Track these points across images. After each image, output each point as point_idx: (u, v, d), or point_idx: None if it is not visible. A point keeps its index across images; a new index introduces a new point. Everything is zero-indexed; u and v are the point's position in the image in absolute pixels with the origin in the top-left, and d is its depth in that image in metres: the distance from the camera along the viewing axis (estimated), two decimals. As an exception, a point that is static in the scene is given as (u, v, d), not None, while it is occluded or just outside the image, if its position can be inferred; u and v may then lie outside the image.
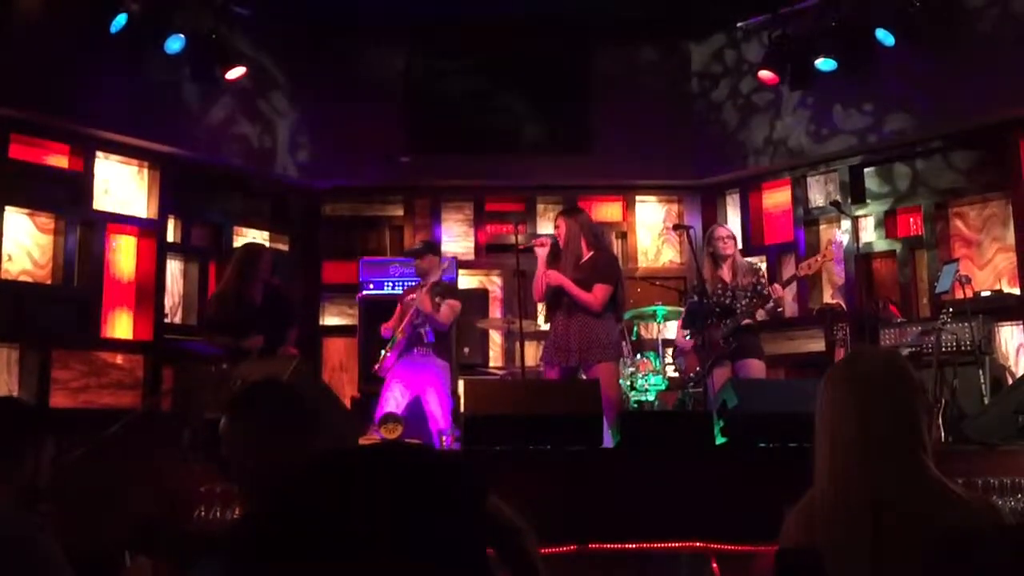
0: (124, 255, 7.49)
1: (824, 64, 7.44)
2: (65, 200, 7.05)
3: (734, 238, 6.09)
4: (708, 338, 5.82)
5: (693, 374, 5.98)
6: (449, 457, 1.83)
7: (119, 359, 7.23)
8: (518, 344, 6.29)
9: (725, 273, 5.94)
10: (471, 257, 8.65)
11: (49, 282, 6.94)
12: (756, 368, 5.77)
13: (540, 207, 8.76)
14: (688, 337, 6.06)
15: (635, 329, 7.42)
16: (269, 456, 1.97)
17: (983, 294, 6.89)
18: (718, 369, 5.75)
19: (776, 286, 5.77)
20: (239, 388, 2.20)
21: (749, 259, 6.15)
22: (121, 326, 7.37)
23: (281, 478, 1.92)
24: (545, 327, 6.43)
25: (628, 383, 6.67)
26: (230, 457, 2.03)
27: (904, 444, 1.81)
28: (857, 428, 1.83)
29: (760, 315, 5.91)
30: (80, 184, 7.10)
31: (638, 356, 6.86)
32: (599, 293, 5.44)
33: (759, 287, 5.77)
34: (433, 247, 6.51)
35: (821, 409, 1.92)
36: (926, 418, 1.88)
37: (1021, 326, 6.93)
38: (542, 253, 5.60)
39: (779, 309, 6.05)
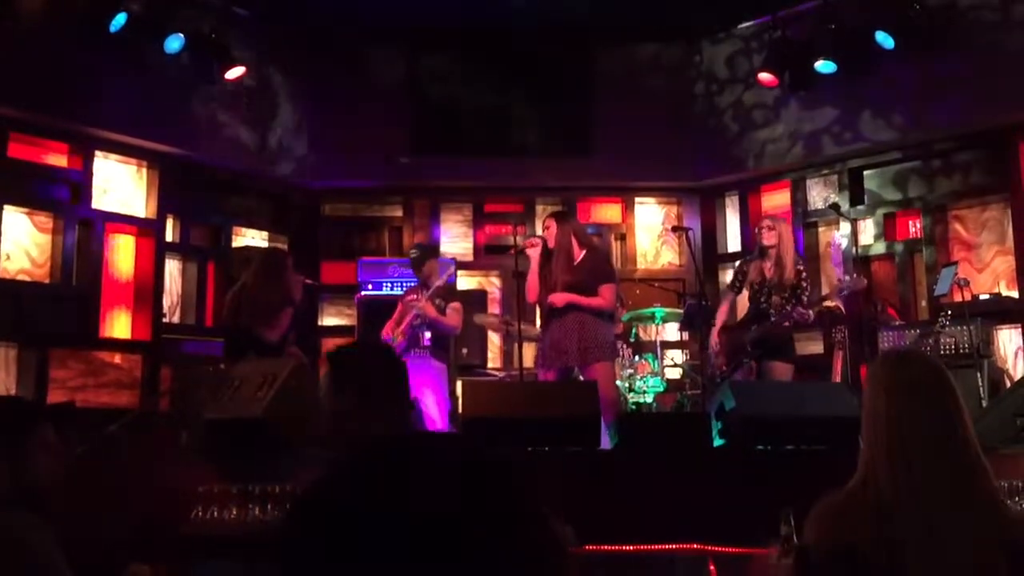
0: (123, 254, 7.49)
1: (824, 66, 7.45)
2: (64, 199, 7.05)
3: (775, 228, 5.80)
4: (735, 340, 5.78)
5: (720, 372, 5.84)
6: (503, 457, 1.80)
7: (117, 359, 7.23)
8: (516, 345, 6.31)
9: (767, 267, 5.76)
10: (470, 258, 8.65)
11: (47, 281, 6.93)
12: (781, 370, 5.66)
13: (539, 208, 8.76)
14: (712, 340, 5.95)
15: (634, 331, 7.41)
16: (372, 418, 1.89)
17: (981, 297, 6.89)
18: (743, 369, 5.70)
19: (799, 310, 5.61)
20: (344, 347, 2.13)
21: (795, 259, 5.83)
22: (119, 326, 7.37)
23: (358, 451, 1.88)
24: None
25: (627, 385, 6.67)
26: (333, 416, 1.94)
27: (958, 449, 1.82)
28: (896, 434, 1.83)
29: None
30: (79, 183, 7.10)
31: (637, 358, 6.86)
32: (607, 294, 5.45)
33: (799, 291, 5.66)
34: (429, 251, 6.48)
35: (872, 411, 1.91)
36: (968, 421, 1.89)
37: (1019, 329, 6.94)
38: (534, 254, 5.60)
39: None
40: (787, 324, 5.61)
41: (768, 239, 5.78)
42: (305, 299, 7.23)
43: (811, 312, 5.61)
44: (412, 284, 6.47)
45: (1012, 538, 1.73)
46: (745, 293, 5.93)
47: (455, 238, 8.75)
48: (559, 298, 5.38)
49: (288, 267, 6.05)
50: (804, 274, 5.76)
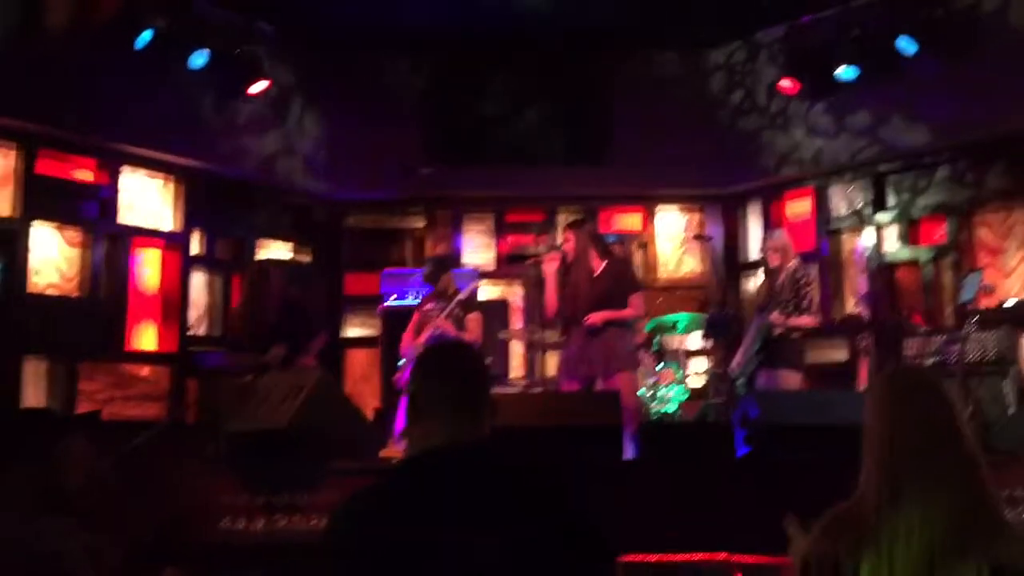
0: (149, 268, 7.57)
1: (845, 73, 7.42)
2: (92, 214, 7.14)
3: (778, 249, 5.80)
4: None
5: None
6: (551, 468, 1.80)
7: (145, 371, 7.31)
8: (539, 355, 6.32)
9: (776, 283, 5.74)
10: (492, 268, 8.67)
11: (76, 295, 7.02)
12: (789, 379, 5.62)
13: (560, 217, 8.76)
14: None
15: (657, 340, 7.40)
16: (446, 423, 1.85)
17: (1008, 303, 6.82)
18: (758, 375, 5.65)
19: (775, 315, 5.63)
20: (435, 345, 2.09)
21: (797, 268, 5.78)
22: (146, 338, 7.45)
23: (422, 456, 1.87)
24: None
25: (649, 393, 6.66)
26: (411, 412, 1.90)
27: (959, 464, 1.84)
28: (900, 446, 1.85)
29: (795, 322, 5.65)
30: (106, 198, 7.19)
31: (660, 366, 6.85)
32: (637, 302, 5.48)
33: (798, 295, 5.62)
34: (444, 264, 6.46)
35: (871, 426, 1.94)
36: (967, 434, 1.90)
37: (1047, 335, 6.86)
38: (550, 270, 5.60)
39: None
40: (784, 327, 5.56)
41: (772, 261, 5.81)
42: (317, 310, 7.32)
43: (784, 318, 5.54)
44: (429, 292, 6.46)
45: (1007, 561, 1.73)
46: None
47: (477, 248, 8.78)
48: (596, 318, 5.37)
49: (264, 281, 6.18)
50: (803, 277, 5.67)
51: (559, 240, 8.35)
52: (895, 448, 1.86)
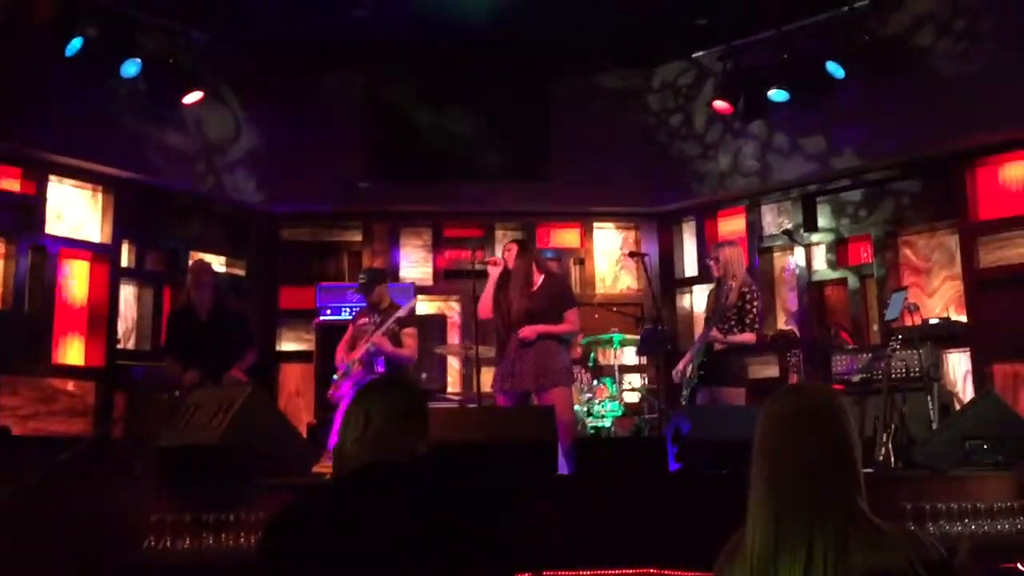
0: (77, 280, 7.39)
1: (777, 95, 7.60)
2: (16, 224, 6.95)
3: (718, 259, 5.80)
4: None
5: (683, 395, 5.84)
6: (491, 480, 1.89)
7: (70, 386, 7.12)
8: (475, 370, 6.31)
9: (723, 291, 5.69)
10: (429, 283, 8.66)
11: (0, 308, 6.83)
12: (733, 395, 5.66)
13: (499, 233, 8.80)
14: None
15: (592, 355, 7.46)
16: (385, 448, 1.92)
17: (931, 321, 7.03)
18: (702, 393, 5.71)
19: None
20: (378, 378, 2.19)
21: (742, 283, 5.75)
22: (73, 352, 7.27)
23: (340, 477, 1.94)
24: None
25: (585, 409, 6.70)
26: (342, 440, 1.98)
27: (840, 484, 1.82)
28: (792, 465, 1.83)
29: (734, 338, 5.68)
30: (32, 208, 7.01)
31: (595, 382, 6.90)
32: (572, 318, 5.52)
33: (744, 313, 5.66)
34: (377, 276, 6.40)
35: (758, 445, 1.90)
36: (860, 457, 1.88)
37: (968, 353, 7.08)
38: (494, 272, 5.63)
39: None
40: (724, 344, 5.60)
41: (715, 271, 5.85)
42: (252, 325, 7.23)
43: (723, 335, 5.58)
44: (364, 306, 6.42)
45: (884, 567, 1.75)
46: None
47: (415, 263, 8.76)
48: (529, 331, 5.40)
49: (196, 278, 6.17)
50: (749, 295, 5.69)
51: (500, 252, 8.42)
52: (785, 471, 1.83)
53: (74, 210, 7.41)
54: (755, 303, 5.71)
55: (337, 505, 1.83)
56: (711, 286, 6.15)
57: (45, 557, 4.06)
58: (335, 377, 6.21)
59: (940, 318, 7.17)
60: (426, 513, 1.80)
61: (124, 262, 7.63)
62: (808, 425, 1.86)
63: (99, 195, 7.55)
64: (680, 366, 5.85)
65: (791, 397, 1.94)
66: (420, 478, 1.88)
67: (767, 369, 7.86)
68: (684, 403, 5.75)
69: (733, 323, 5.65)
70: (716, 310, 5.73)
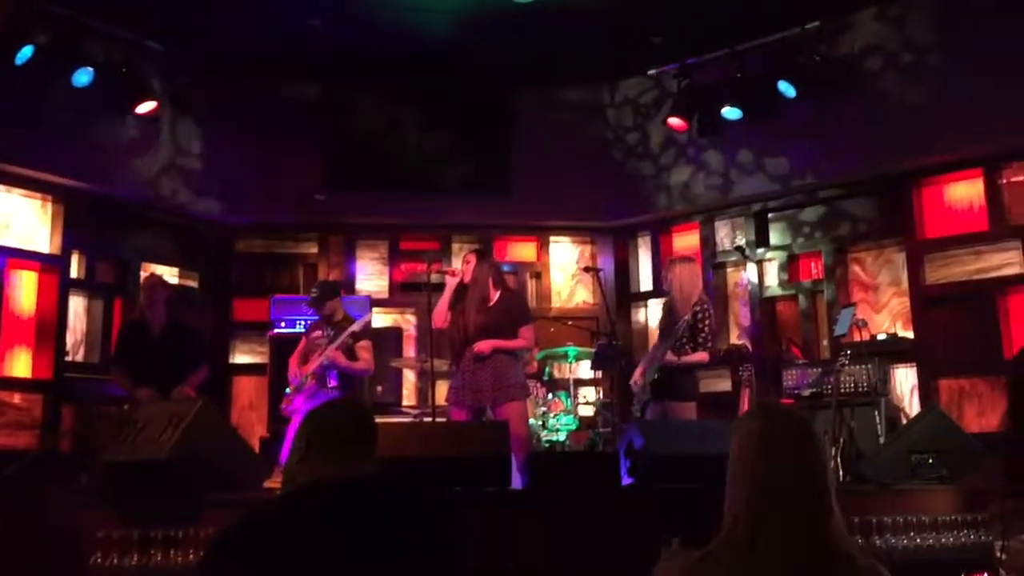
0: (24, 291, 7.26)
1: (730, 112, 7.72)
2: (-38, 234, 6.83)
3: (668, 273, 5.84)
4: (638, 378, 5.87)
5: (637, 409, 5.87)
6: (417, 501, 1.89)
7: (17, 398, 6.98)
8: (430, 383, 6.30)
9: (677, 315, 5.73)
10: (385, 295, 8.63)
11: (-57, 318, 6.69)
12: (683, 410, 5.70)
13: (456, 246, 8.81)
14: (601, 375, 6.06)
15: (547, 369, 7.48)
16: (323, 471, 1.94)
17: (879, 337, 7.17)
18: (653, 407, 5.75)
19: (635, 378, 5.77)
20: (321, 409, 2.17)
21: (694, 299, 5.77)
22: (20, 364, 7.13)
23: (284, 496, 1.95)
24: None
25: (540, 423, 6.72)
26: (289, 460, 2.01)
27: (815, 508, 1.84)
28: (769, 488, 1.85)
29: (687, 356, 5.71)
30: (-21, 217, 6.89)
31: (550, 396, 6.92)
32: (527, 334, 5.54)
33: (695, 331, 5.68)
34: (330, 289, 6.37)
35: (732, 467, 1.93)
36: (832, 481, 1.91)
37: (914, 368, 7.23)
38: (451, 283, 5.64)
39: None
40: (677, 364, 5.64)
41: (666, 286, 5.92)
42: (205, 341, 7.17)
43: (676, 356, 5.61)
44: (317, 319, 6.38)
45: None
46: None
47: (371, 275, 8.73)
48: (485, 346, 5.41)
49: (150, 292, 6.24)
50: (701, 313, 5.71)
51: (457, 264, 8.42)
52: (761, 488, 1.86)
53: (23, 220, 7.28)
54: (707, 321, 5.73)
55: (279, 524, 1.82)
56: (665, 299, 6.20)
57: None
58: (288, 391, 6.17)
59: (887, 334, 7.31)
60: (367, 533, 1.80)
61: (74, 273, 7.51)
62: (782, 450, 1.88)
63: (49, 205, 7.43)
64: (636, 376, 5.89)
65: (764, 419, 1.96)
66: (363, 497, 1.88)
67: (720, 383, 7.98)
68: (636, 417, 5.79)
69: (685, 341, 5.70)
70: (668, 325, 5.78)
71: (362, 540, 1.78)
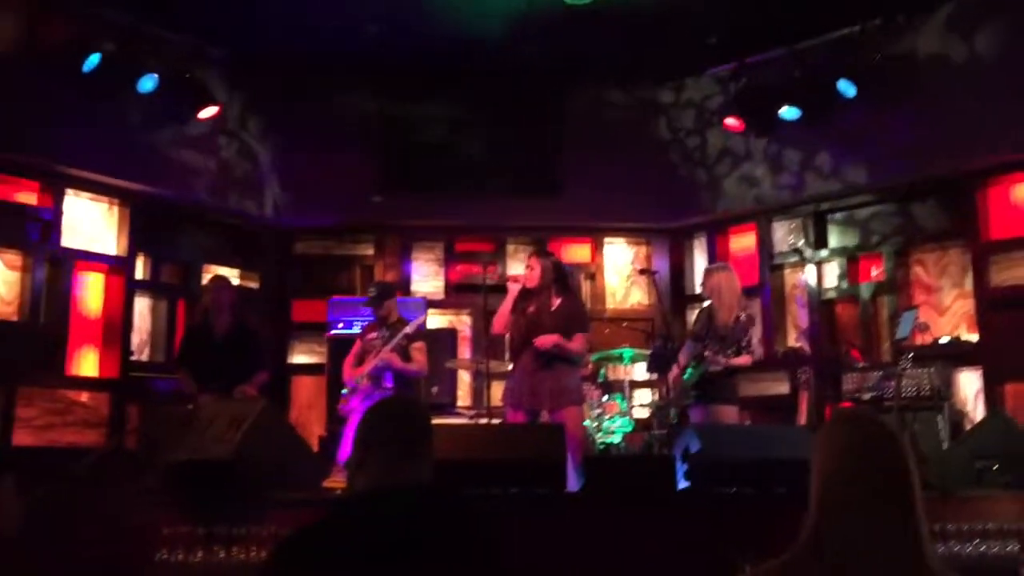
0: (92, 292, 7.46)
1: (788, 113, 7.63)
2: (34, 237, 7.03)
3: (715, 287, 5.84)
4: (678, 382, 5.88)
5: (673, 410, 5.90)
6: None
7: (84, 397, 7.18)
8: (486, 384, 6.33)
9: (716, 314, 5.80)
10: (441, 297, 8.70)
11: (16, 319, 6.88)
12: (726, 414, 5.71)
13: (510, 248, 8.84)
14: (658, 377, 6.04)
15: (602, 371, 7.47)
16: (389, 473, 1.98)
17: (942, 340, 7.03)
18: (694, 411, 5.77)
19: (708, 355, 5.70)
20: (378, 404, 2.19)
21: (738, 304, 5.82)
22: (87, 364, 7.33)
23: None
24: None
25: (595, 425, 6.71)
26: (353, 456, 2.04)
27: (900, 525, 1.80)
28: (853, 501, 1.81)
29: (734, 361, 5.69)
30: (49, 221, 7.09)
31: (605, 398, 6.91)
32: (582, 342, 5.53)
33: (736, 335, 5.69)
34: (388, 290, 6.46)
35: (820, 476, 1.88)
36: (921, 496, 1.85)
37: (979, 372, 7.06)
38: (514, 288, 5.65)
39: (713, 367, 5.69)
40: (718, 369, 5.62)
41: (705, 293, 5.91)
42: (267, 344, 7.30)
43: (724, 359, 5.59)
44: (372, 320, 6.47)
45: None
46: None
47: (426, 276, 8.80)
48: (547, 340, 5.41)
49: (216, 294, 6.35)
50: (742, 318, 5.69)
51: (510, 269, 8.47)
52: (844, 500, 1.82)
53: (90, 223, 7.48)
54: (750, 328, 5.75)
55: (334, 532, 1.85)
56: (702, 306, 6.21)
57: (60, 569, 4.09)
58: (344, 392, 6.25)
59: (951, 337, 7.16)
60: (423, 542, 1.82)
61: (139, 274, 7.70)
62: (868, 460, 1.84)
63: (115, 208, 7.63)
64: (674, 374, 5.90)
65: (850, 427, 1.92)
66: (418, 505, 1.90)
67: (776, 386, 7.90)
68: (673, 420, 5.82)
69: (731, 348, 5.68)
70: (711, 331, 5.76)
71: (417, 549, 1.80)
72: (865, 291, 7.81)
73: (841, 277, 7.95)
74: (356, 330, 7.54)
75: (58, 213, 7.14)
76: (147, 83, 7.08)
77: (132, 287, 7.58)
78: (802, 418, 6.63)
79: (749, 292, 8.26)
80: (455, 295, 8.73)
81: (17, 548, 2.44)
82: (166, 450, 4.87)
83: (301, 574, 1.78)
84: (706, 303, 5.91)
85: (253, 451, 4.09)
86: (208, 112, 7.53)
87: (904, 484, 1.83)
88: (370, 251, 8.83)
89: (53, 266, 7.08)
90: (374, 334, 6.31)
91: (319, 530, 1.86)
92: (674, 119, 8.83)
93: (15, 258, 6.97)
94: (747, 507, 4.13)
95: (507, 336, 5.74)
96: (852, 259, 7.96)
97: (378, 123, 8.66)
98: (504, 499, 4.21)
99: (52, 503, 4.32)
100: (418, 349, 6.14)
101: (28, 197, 7.08)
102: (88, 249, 7.39)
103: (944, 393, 6.36)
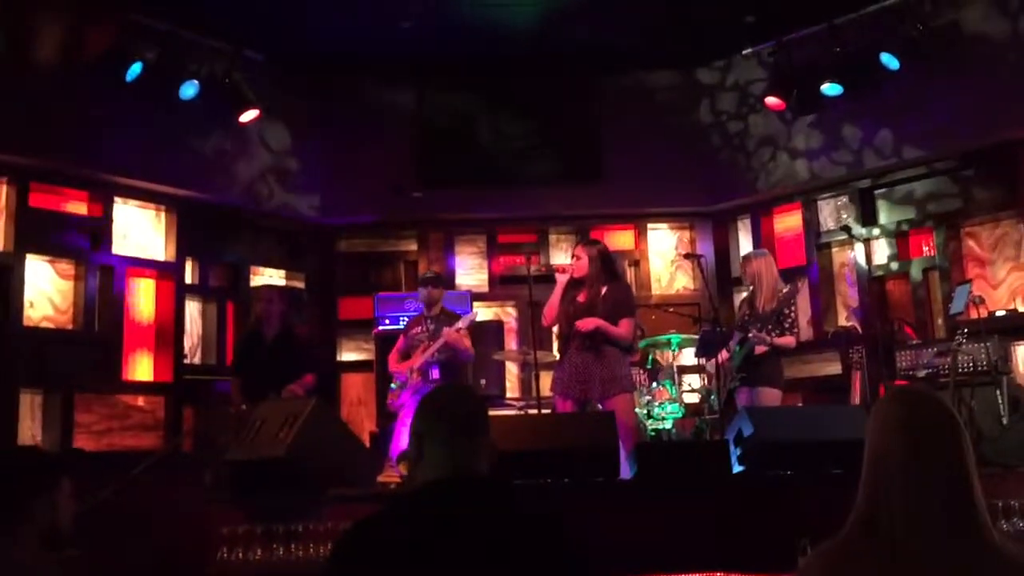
0: (143, 298, 7.59)
1: (830, 89, 7.51)
2: (84, 246, 7.17)
3: (755, 272, 5.91)
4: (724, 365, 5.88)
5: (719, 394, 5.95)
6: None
7: (140, 401, 7.31)
8: (534, 375, 6.34)
9: (757, 299, 5.89)
10: (485, 289, 8.71)
11: (71, 327, 7.03)
12: (770, 396, 5.74)
13: (552, 237, 8.82)
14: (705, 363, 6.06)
15: (651, 357, 7.43)
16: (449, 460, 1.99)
17: (997, 314, 6.88)
18: (739, 393, 5.79)
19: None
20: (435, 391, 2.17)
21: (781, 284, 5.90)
22: (142, 368, 7.46)
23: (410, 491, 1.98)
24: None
25: (645, 412, 6.68)
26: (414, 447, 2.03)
27: (958, 501, 1.77)
28: (908, 479, 1.78)
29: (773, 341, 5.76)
30: (99, 230, 7.22)
31: (654, 384, 6.87)
32: (628, 327, 5.50)
33: (782, 318, 5.74)
34: (442, 278, 6.63)
35: (871, 452, 1.85)
36: (977, 471, 1.81)
37: (1037, 344, 6.91)
38: (562, 279, 5.63)
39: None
40: (763, 348, 5.69)
41: (752, 282, 5.96)
42: (315, 345, 7.39)
43: (769, 338, 5.66)
44: (415, 315, 6.54)
45: None
46: None
47: (470, 270, 8.82)
48: (588, 323, 5.40)
49: (265, 303, 6.54)
50: (786, 299, 5.74)
51: (553, 259, 8.46)
52: (899, 478, 1.78)
53: (139, 230, 7.61)
54: (792, 308, 5.79)
55: (400, 524, 1.86)
56: (744, 296, 6.22)
57: (124, 568, 4.18)
58: (393, 386, 6.31)
59: (1007, 310, 7.00)
60: (484, 533, 1.81)
61: (188, 279, 7.82)
62: (923, 437, 1.81)
63: (162, 214, 7.75)
64: (723, 358, 5.95)
65: (904, 405, 1.89)
66: (482, 498, 1.90)
67: (827, 366, 7.80)
68: (719, 405, 5.87)
69: (771, 327, 5.72)
70: (754, 316, 5.80)
71: (479, 540, 1.80)
72: (916, 267, 7.67)
73: (891, 254, 7.82)
74: (403, 326, 7.59)
75: (107, 221, 7.27)
76: (188, 89, 7.17)
77: (182, 291, 7.70)
78: (855, 398, 6.52)
79: (795, 273, 8.20)
80: (499, 287, 8.74)
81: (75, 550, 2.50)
82: (222, 450, 4.95)
83: (364, 565, 1.79)
84: (745, 294, 5.92)
85: (307, 449, 4.14)
86: (249, 115, 7.61)
87: (959, 459, 1.79)
88: (413, 246, 8.87)
89: (104, 274, 7.22)
90: (418, 328, 6.36)
91: (381, 522, 1.87)
92: (714, 100, 8.74)
93: (68, 267, 7.11)
94: (804, 489, 4.09)
95: (556, 327, 5.74)
96: (902, 235, 7.82)
97: (416, 118, 8.69)
98: (557, 488, 4.21)
99: (115, 504, 4.41)
100: (463, 334, 6.22)
101: (78, 207, 7.22)
102: (138, 256, 7.52)
103: (1001, 367, 6.22)
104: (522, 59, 8.24)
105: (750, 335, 5.68)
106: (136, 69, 6.91)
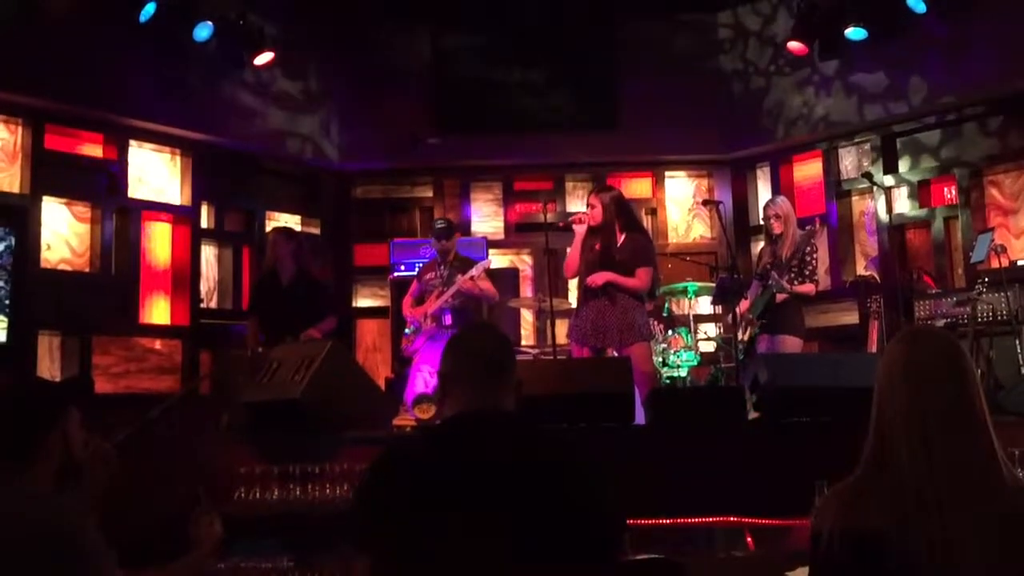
0: (159, 242, 7.60)
1: (854, 33, 7.36)
2: (101, 189, 7.16)
3: (780, 216, 5.85)
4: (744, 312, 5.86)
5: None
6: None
7: (158, 344, 7.36)
8: (549, 322, 6.32)
9: (782, 246, 5.82)
10: (501, 237, 8.67)
11: (87, 270, 7.06)
12: (790, 344, 5.72)
13: (569, 185, 8.76)
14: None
15: (667, 305, 7.40)
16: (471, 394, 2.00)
17: (1019, 263, 6.79)
18: (760, 340, 5.79)
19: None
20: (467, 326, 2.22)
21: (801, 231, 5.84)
22: (159, 312, 7.49)
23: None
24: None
25: (660, 359, 6.67)
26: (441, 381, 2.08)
27: (966, 435, 1.78)
28: (910, 413, 1.78)
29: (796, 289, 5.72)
30: (115, 173, 7.20)
31: (670, 332, 6.85)
32: (645, 277, 5.45)
33: (802, 262, 5.71)
34: (454, 226, 6.58)
35: (877, 392, 1.86)
36: (986, 405, 1.82)
37: (1059, 295, 6.83)
38: (580, 230, 5.59)
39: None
40: (784, 295, 5.67)
41: (776, 228, 5.86)
42: (331, 289, 7.38)
43: (789, 284, 5.64)
44: (427, 261, 6.51)
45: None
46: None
47: (486, 217, 8.78)
48: (598, 277, 5.37)
49: (278, 245, 6.39)
50: (807, 248, 5.72)
51: (569, 207, 8.40)
52: (923, 417, 1.78)
53: (154, 174, 7.59)
54: (813, 255, 5.76)
55: (431, 447, 1.93)
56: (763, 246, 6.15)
57: (141, 511, 4.23)
58: (407, 331, 6.31)
59: (1029, 260, 6.92)
60: (514, 464, 1.84)
61: (204, 223, 7.81)
62: (928, 372, 1.82)
63: (177, 158, 7.72)
64: (743, 308, 5.94)
65: (910, 345, 1.88)
66: (509, 432, 1.92)
67: (845, 316, 7.75)
68: (740, 352, 5.83)
69: (794, 275, 5.68)
70: (775, 264, 5.74)
71: (505, 463, 1.83)
72: (938, 215, 7.58)
73: (913, 202, 7.72)
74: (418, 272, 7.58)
75: (123, 164, 7.25)
76: (203, 31, 7.09)
77: (198, 236, 7.70)
78: (872, 346, 6.49)
79: (814, 220, 8.08)
80: (515, 235, 8.70)
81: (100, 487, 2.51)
82: (238, 393, 4.98)
83: (397, 484, 1.85)
84: (763, 243, 5.86)
85: (322, 391, 4.15)
86: (263, 58, 7.53)
87: (960, 391, 1.80)
88: (429, 193, 8.82)
89: (121, 217, 7.22)
90: (432, 274, 6.35)
91: (413, 445, 1.93)
92: (733, 45, 8.59)
93: (84, 210, 7.11)
94: (817, 435, 4.08)
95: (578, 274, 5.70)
96: (923, 183, 7.72)
97: (433, 64, 8.59)
98: (572, 432, 4.21)
99: (134, 445, 4.44)
100: (482, 279, 6.20)
101: (93, 149, 7.20)
102: (154, 199, 7.51)
103: (1021, 317, 6.16)
104: (540, 3, 8.10)
105: (770, 281, 5.65)
106: (150, 9, 6.83)
